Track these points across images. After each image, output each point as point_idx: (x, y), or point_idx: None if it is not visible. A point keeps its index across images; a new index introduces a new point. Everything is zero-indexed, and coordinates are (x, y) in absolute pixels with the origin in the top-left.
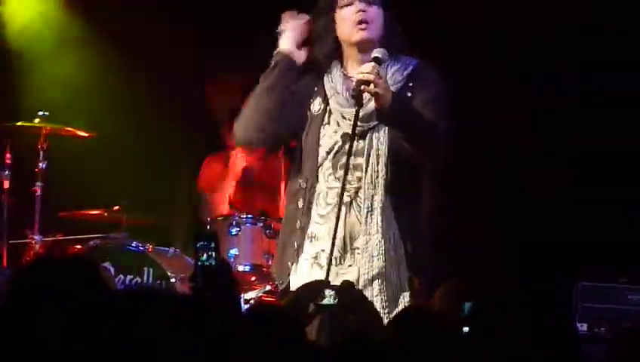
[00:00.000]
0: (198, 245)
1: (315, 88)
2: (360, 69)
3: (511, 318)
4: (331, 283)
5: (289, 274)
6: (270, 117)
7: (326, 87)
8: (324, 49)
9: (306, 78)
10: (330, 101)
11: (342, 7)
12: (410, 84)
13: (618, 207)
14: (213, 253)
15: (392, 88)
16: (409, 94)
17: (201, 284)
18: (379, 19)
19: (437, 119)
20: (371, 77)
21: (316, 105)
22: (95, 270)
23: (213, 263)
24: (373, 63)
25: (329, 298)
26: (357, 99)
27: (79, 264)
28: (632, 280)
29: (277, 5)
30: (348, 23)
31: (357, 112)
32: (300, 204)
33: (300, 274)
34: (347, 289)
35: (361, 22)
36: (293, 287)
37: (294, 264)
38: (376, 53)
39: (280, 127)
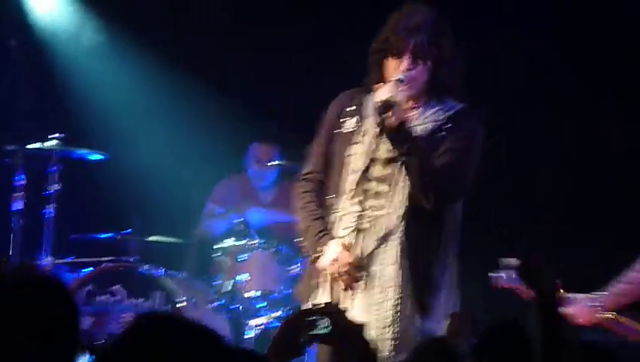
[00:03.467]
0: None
1: (351, 108)
2: (382, 88)
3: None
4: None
5: (312, 289)
6: None
7: (365, 108)
8: (372, 77)
9: (355, 93)
10: (365, 122)
11: (392, 56)
12: (448, 125)
13: None
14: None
15: (430, 125)
16: (443, 134)
17: None
18: (422, 77)
19: (448, 169)
20: (390, 93)
21: (350, 124)
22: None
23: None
24: (394, 82)
25: (323, 326)
26: (379, 119)
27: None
28: None
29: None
30: (392, 74)
31: (379, 132)
32: (330, 219)
33: (323, 292)
34: (339, 315)
35: (401, 80)
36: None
37: (321, 281)
38: (400, 75)
39: None
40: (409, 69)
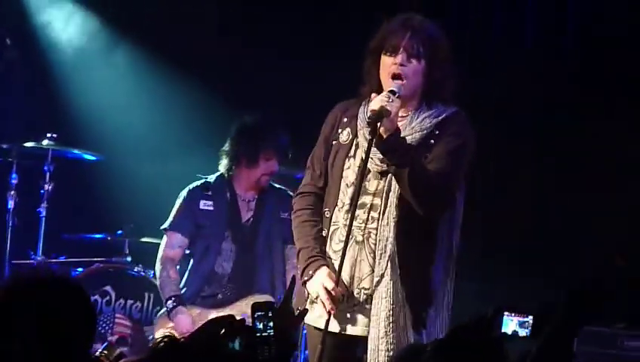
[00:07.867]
0: (255, 316)
1: (346, 119)
2: (374, 98)
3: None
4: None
5: (305, 301)
6: None
7: (359, 119)
8: (369, 85)
9: (350, 104)
10: (358, 133)
11: (386, 52)
12: (437, 132)
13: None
14: (271, 323)
15: (418, 134)
16: (432, 141)
17: (267, 354)
18: (416, 76)
19: (439, 174)
20: (382, 103)
21: (344, 135)
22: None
23: (271, 333)
24: (387, 93)
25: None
26: (371, 129)
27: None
28: (630, 326)
29: None
30: (386, 72)
31: (369, 142)
32: (324, 232)
33: (314, 307)
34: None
35: (395, 76)
36: (308, 319)
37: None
38: (393, 86)
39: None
40: (402, 65)
